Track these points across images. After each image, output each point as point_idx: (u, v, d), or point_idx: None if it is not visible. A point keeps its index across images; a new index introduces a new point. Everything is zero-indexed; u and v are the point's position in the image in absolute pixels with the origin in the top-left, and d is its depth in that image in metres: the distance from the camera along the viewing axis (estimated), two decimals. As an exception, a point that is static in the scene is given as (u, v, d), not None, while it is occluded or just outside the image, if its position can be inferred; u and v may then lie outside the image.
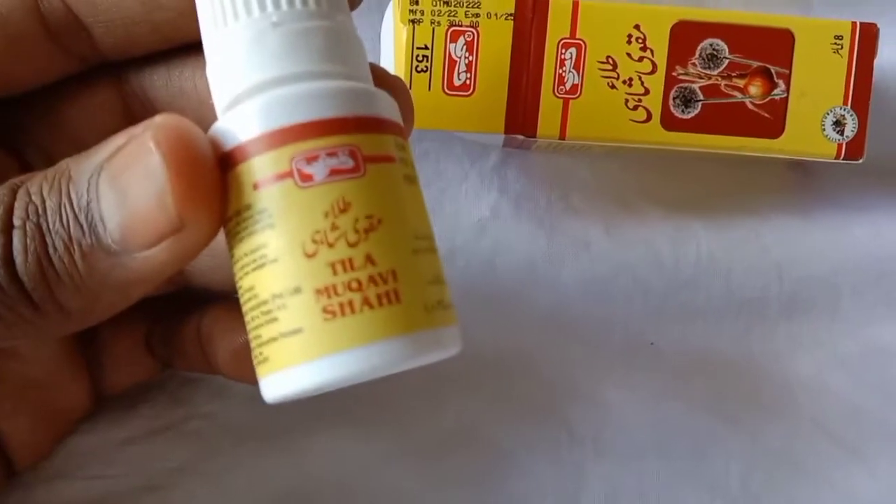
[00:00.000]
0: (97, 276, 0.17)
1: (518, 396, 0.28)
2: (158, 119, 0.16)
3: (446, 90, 0.25)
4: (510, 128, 0.26)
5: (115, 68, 0.22)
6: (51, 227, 0.17)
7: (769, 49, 0.26)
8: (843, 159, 0.26)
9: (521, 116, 0.25)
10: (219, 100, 0.18)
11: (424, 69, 0.25)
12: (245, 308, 0.17)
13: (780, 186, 0.30)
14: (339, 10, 0.18)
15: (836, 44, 0.26)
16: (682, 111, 0.26)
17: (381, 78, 0.19)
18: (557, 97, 0.25)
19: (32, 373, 0.24)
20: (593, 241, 0.29)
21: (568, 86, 0.25)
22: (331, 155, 0.16)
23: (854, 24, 0.26)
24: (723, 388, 0.29)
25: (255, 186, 0.16)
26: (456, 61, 0.25)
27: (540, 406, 0.28)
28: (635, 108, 0.25)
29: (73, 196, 0.17)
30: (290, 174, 0.16)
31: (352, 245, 0.16)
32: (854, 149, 0.26)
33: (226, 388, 0.27)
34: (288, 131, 0.16)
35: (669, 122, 0.26)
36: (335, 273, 0.16)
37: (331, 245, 0.16)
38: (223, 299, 0.24)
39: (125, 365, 0.26)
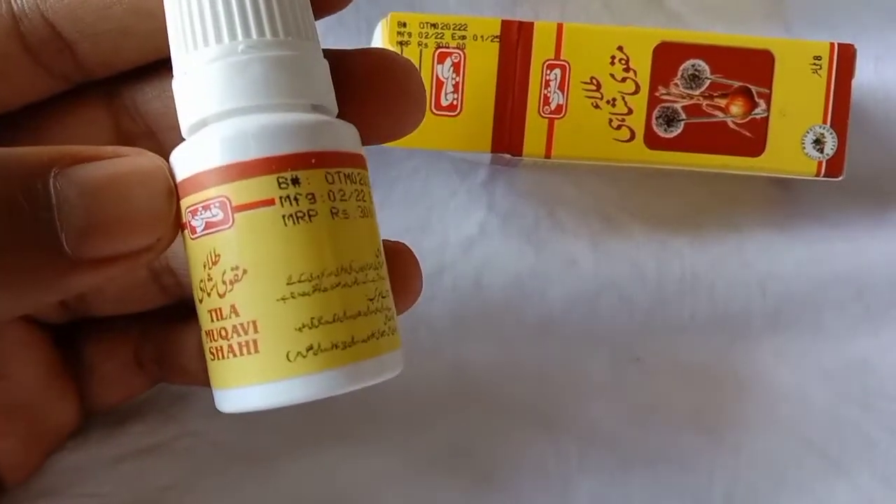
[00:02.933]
0: (30, 279, 0.16)
1: (505, 412, 0.29)
2: (142, 149, 0.17)
3: (434, 110, 0.26)
4: (497, 147, 0.26)
5: (104, 83, 0.21)
6: None
7: (750, 69, 0.26)
8: (823, 177, 0.26)
9: (507, 136, 0.26)
10: None
11: (412, 90, 0.25)
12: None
13: (762, 203, 0.30)
14: (251, 35, 0.17)
15: (815, 64, 0.26)
16: (665, 130, 0.26)
17: (384, 59, 0.19)
18: (543, 117, 0.26)
19: (20, 394, 0.24)
20: (579, 257, 0.30)
21: (553, 106, 0.26)
22: (205, 208, 0.17)
23: (832, 44, 0.26)
24: (707, 401, 0.29)
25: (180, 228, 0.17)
26: (443, 82, 0.26)
27: (526, 421, 0.29)
28: (619, 127, 0.26)
29: (17, 188, 0.15)
30: (185, 225, 0.17)
31: (221, 296, 0.17)
32: (834, 166, 0.26)
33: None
34: (181, 185, 0.17)
35: (653, 141, 0.26)
36: (212, 320, 0.17)
37: (209, 294, 0.17)
38: None
39: (114, 383, 0.26)
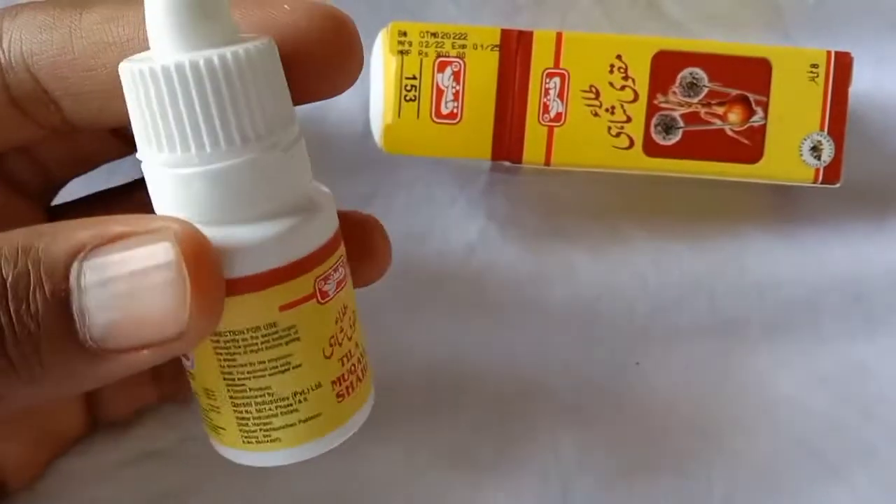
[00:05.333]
0: (60, 370, 0.16)
1: (504, 415, 0.29)
2: (176, 227, 0.16)
3: (434, 118, 0.26)
4: (497, 154, 0.26)
5: None
6: (13, 314, 0.15)
7: (747, 77, 0.26)
8: (820, 183, 0.27)
9: (507, 143, 0.26)
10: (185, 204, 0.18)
11: (413, 98, 0.26)
12: (250, 403, 0.19)
13: (760, 209, 0.30)
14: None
15: (812, 72, 0.26)
16: (664, 138, 0.26)
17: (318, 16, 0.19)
18: (542, 125, 0.26)
19: None
20: (579, 263, 0.30)
21: (552, 114, 0.26)
22: (335, 271, 0.19)
23: (829, 52, 0.26)
24: (706, 406, 0.29)
25: (282, 308, 0.18)
26: (443, 91, 0.26)
27: (527, 425, 0.29)
28: (618, 135, 0.26)
29: (46, 285, 0.15)
30: (313, 295, 0.19)
31: (349, 339, 0.20)
32: (831, 173, 0.27)
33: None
34: (308, 259, 0.18)
35: (651, 149, 0.26)
36: (343, 365, 0.20)
37: (340, 344, 0.20)
38: None
39: (124, 394, 0.26)
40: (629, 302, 0.30)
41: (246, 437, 0.20)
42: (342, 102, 0.28)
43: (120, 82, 0.18)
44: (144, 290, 0.16)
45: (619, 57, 0.26)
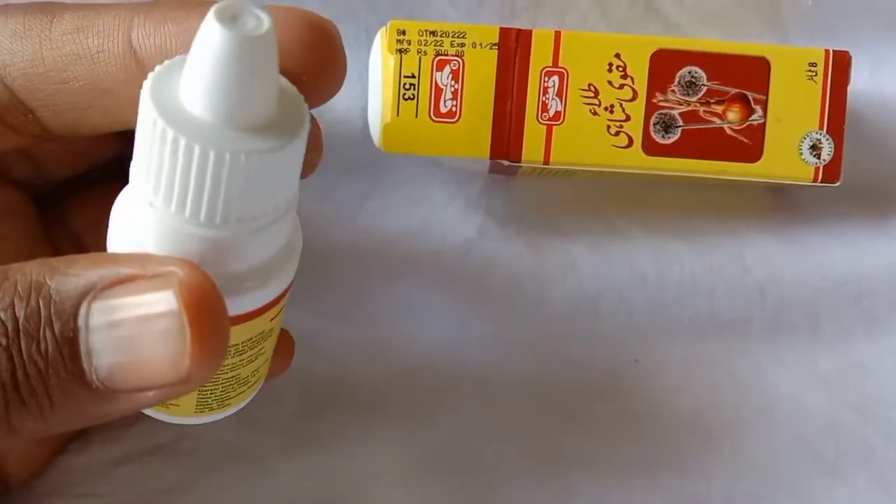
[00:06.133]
0: (68, 408, 0.16)
1: (506, 413, 0.29)
2: (182, 274, 0.16)
3: (433, 117, 0.26)
4: (495, 153, 0.26)
5: None
6: (24, 352, 0.15)
7: (746, 76, 0.26)
8: (820, 182, 0.27)
9: (505, 142, 0.26)
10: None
11: (411, 97, 0.26)
12: (217, 387, 0.21)
13: (760, 209, 0.30)
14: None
15: (810, 71, 0.26)
16: (663, 136, 0.26)
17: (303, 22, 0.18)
18: (541, 123, 0.26)
19: None
20: (579, 260, 0.30)
21: (551, 112, 0.26)
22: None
23: (827, 51, 0.26)
24: (705, 405, 0.29)
25: (272, 318, 0.20)
26: (442, 89, 0.26)
27: (527, 423, 0.29)
28: (617, 133, 0.26)
29: (55, 324, 0.15)
30: (286, 301, 0.20)
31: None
32: (831, 172, 0.27)
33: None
34: (292, 283, 0.20)
35: (650, 148, 0.26)
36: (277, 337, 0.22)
37: (281, 323, 0.21)
38: None
39: None
40: (629, 300, 0.30)
41: (200, 409, 0.21)
42: (340, 101, 0.28)
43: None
44: (147, 335, 0.16)
45: (617, 55, 0.26)
